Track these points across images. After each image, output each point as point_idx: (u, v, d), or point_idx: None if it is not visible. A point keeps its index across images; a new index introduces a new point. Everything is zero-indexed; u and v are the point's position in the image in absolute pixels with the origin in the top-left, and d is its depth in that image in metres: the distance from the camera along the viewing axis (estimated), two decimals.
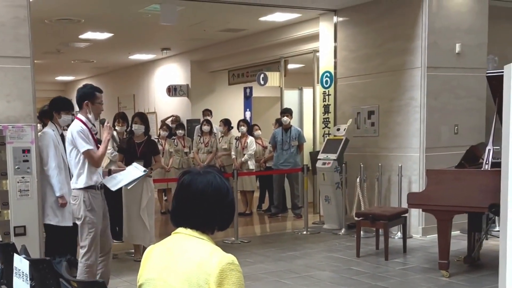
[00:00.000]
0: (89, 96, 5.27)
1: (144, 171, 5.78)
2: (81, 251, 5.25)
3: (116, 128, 8.31)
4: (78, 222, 5.23)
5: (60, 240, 6.12)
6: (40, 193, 6.04)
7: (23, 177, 5.90)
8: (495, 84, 5.86)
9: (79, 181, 5.18)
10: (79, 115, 5.26)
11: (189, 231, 2.23)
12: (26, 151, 5.92)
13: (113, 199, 7.47)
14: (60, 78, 20.02)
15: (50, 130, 6.17)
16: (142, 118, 7.45)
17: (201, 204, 2.21)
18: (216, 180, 2.24)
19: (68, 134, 5.30)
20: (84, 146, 5.14)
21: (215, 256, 2.12)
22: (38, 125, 6.46)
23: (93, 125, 5.40)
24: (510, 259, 4.41)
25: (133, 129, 7.40)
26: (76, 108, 5.54)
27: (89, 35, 11.38)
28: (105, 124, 5.38)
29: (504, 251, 4.50)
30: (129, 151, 7.26)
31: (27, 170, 5.91)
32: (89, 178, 5.18)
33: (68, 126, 6.32)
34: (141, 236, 7.13)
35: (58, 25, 10.12)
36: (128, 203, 7.21)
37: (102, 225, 5.30)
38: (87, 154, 5.15)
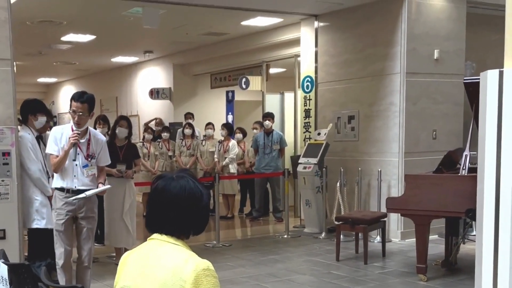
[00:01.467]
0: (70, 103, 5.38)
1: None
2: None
3: (97, 130, 8.31)
4: None
5: (46, 243, 6.10)
6: (20, 197, 6.02)
7: (2, 180, 5.86)
8: (472, 90, 5.95)
9: (53, 181, 5.46)
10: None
11: (164, 237, 2.23)
12: (6, 154, 5.88)
13: None
14: (42, 80, 19.89)
15: (26, 134, 6.10)
16: (129, 122, 7.48)
17: (175, 209, 2.21)
18: (190, 184, 2.23)
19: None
20: (47, 148, 5.42)
21: (190, 262, 2.13)
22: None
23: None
24: (485, 263, 4.50)
25: (116, 131, 7.38)
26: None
27: (71, 37, 11.34)
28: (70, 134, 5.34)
29: (480, 255, 4.59)
30: (111, 154, 7.23)
31: (7, 173, 5.87)
32: (58, 180, 5.38)
33: (44, 128, 6.39)
34: (124, 240, 7.14)
35: (39, 26, 10.08)
36: (109, 206, 7.20)
37: (77, 229, 5.43)
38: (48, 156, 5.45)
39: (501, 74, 4.21)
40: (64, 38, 11.44)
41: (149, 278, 2.15)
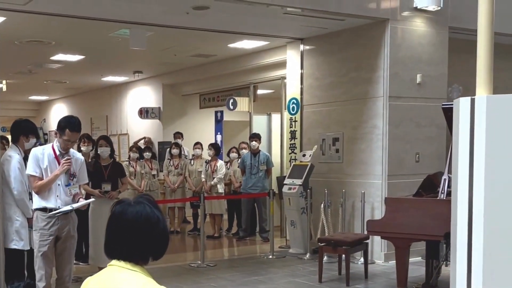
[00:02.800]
0: (60, 129, 5.46)
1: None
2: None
3: (82, 148, 8.41)
4: None
5: (21, 264, 6.12)
6: (1, 215, 6.03)
7: None
8: (450, 115, 6.05)
9: (33, 202, 5.50)
10: (55, 141, 5.53)
11: (122, 263, 2.24)
12: None
13: (79, 221, 7.52)
14: (34, 97, 19.94)
15: (16, 154, 6.10)
16: (107, 140, 7.54)
17: (132, 235, 2.23)
18: (146, 210, 2.25)
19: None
20: (27, 169, 5.48)
21: None
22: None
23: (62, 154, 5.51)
24: (459, 284, 4.58)
25: (99, 152, 7.46)
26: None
27: (60, 57, 11.42)
28: (63, 159, 5.44)
29: (454, 276, 4.66)
30: (96, 174, 7.31)
31: None
32: (39, 200, 5.42)
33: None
34: (108, 259, 7.14)
35: (28, 46, 10.15)
36: (94, 226, 7.23)
37: (58, 249, 5.46)
38: (28, 177, 5.51)
39: (472, 101, 4.32)
40: (53, 58, 11.52)
41: None
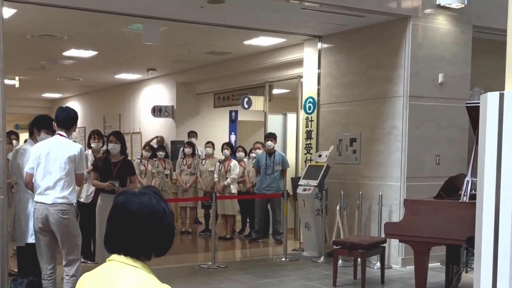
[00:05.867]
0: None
1: None
2: None
3: (92, 144, 8.27)
4: None
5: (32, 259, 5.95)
6: (7, 211, 5.86)
7: None
8: (475, 115, 5.80)
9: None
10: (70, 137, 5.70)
11: (122, 258, 2.07)
12: None
13: (87, 219, 7.38)
14: (47, 95, 19.93)
15: (29, 147, 6.03)
16: (118, 137, 7.33)
17: (135, 227, 2.06)
18: (152, 201, 2.08)
19: (73, 151, 5.55)
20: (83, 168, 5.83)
21: (148, 286, 1.97)
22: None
23: None
24: None
25: (108, 148, 7.29)
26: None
27: (73, 52, 11.30)
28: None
29: (478, 285, 4.42)
30: (105, 170, 7.16)
31: None
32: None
33: None
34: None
35: (40, 41, 10.03)
36: (101, 223, 7.06)
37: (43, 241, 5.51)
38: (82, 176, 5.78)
39: (501, 96, 4.07)
40: (66, 53, 11.41)
41: None
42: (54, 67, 12.99)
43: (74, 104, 19.48)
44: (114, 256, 2.09)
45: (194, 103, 14.49)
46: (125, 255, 2.07)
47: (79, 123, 8.57)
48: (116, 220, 2.09)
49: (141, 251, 2.08)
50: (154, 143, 13.23)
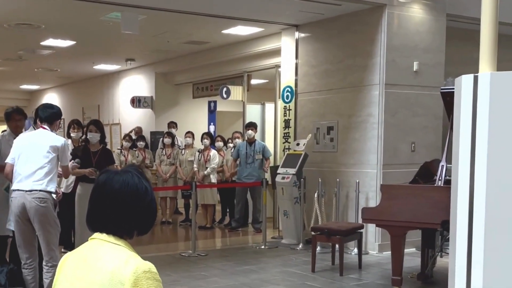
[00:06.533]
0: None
1: None
2: None
3: (71, 134, 8.23)
4: None
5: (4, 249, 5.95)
6: None
7: None
8: (449, 100, 5.89)
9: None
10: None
11: (104, 236, 2.08)
12: None
13: (68, 208, 7.36)
14: (25, 86, 19.71)
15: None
16: (98, 126, 7.27)
17: (117, 205, 2.06)
18: (134, 179, 2.09)
19: (57, 142, 5.53)
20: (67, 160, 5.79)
21: (130, 264, 1.98)
22: None
23: None
24: (458, 276, 4.41)
25: (88, 137, 7.26)
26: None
27: (51, 42, 11.20)
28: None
29: (453, 268, 4.49)
30: (84, 159, 7.12)
31: None
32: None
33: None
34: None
35: (17, 30, 9.93)
36: (80, 212, 7.05)
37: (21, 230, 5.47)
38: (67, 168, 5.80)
39: (475, 79, 4.11)
40: (43, 43, 11.31)
41: (86, 281, 2.01)
42: (32, 57, 12.88)
43: (53, 96, 19.35)
44: (97, 235, 2.11)
45: (173, 94, 14.46)
46: (108, 233, 2.08)
47: None
48: (98, 198, 2.10)
49: (123, 229, 2.09)
50: (132, 135, 13.19)
